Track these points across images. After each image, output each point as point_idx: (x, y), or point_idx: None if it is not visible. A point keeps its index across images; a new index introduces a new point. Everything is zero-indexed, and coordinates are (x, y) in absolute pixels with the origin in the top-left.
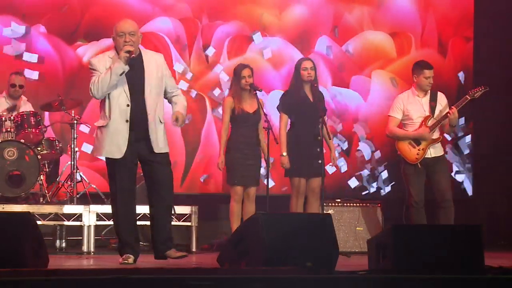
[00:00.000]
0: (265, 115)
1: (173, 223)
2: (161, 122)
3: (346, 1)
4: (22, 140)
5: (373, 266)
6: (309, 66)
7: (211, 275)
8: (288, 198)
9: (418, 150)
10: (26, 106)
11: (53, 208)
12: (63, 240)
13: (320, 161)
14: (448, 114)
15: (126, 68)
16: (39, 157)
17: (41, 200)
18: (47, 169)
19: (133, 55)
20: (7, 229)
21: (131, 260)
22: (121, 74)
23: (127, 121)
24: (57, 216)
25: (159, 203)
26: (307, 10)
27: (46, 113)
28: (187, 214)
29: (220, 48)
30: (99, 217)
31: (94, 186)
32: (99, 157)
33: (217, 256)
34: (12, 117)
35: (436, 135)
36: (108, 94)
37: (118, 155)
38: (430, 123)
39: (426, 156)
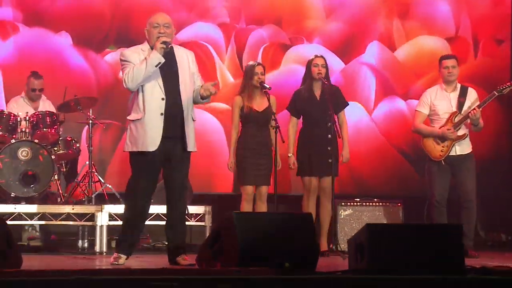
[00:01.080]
0: (273, 113)
1: (187, 223)
2: (193, 120)
3: (384, 8)
4: (36, 140)
5: (352, 266)
6: (320, 63)
7: (175, 276)
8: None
9: (443, 147)
10: (45, 105)
11: (66, 208)
12: (85, 240)
13: (330, 160)
14: (470, 114)
15: (163, 59)
16: (53, 157)
17: (59, 200)
18: (65, 169)
19: (170, 46)
20: None
21: (122, 260)
22: (157, 65)
23: (161, 114)
24: (70, 217)
25: (174, 210)
26: (351, 17)
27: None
28: (201, 214)
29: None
30: (111, 217)
31: (110, 186)
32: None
33: (196, 256)
34: (27, 117)
35: (461, 132)
36: (142, 87)
37: (152, 148)
38: (456, 119)
39: (450, 154)
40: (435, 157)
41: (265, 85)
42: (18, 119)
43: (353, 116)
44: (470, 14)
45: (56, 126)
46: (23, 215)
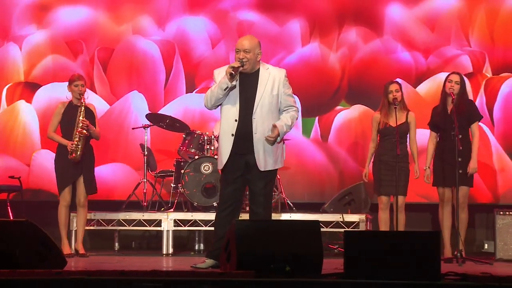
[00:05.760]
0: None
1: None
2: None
3: None
4: (216, 156)
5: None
6: (454, 80)
7: (162, 278)
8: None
9: None
10: None
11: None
12: None
13: (461, 171)
14: None
15: (230, 84)
16: None
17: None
18: None
19: (241, 69)
20: (4, 236)
21: (203, 264)
22: (225, 89)
23: (232, 135)
24: None
25: (252, 217)
26: None
27: None
28: (355, 221)
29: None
30: None
31: (284, 196)
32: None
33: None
34: (213, 136)
35: None
36: (221, 107)
37: (221, 166)
38: None
39: None
40: None
41: (397, 101)
42: (205, 138)
43: None
44: None
45: None
46: (198, 221)
